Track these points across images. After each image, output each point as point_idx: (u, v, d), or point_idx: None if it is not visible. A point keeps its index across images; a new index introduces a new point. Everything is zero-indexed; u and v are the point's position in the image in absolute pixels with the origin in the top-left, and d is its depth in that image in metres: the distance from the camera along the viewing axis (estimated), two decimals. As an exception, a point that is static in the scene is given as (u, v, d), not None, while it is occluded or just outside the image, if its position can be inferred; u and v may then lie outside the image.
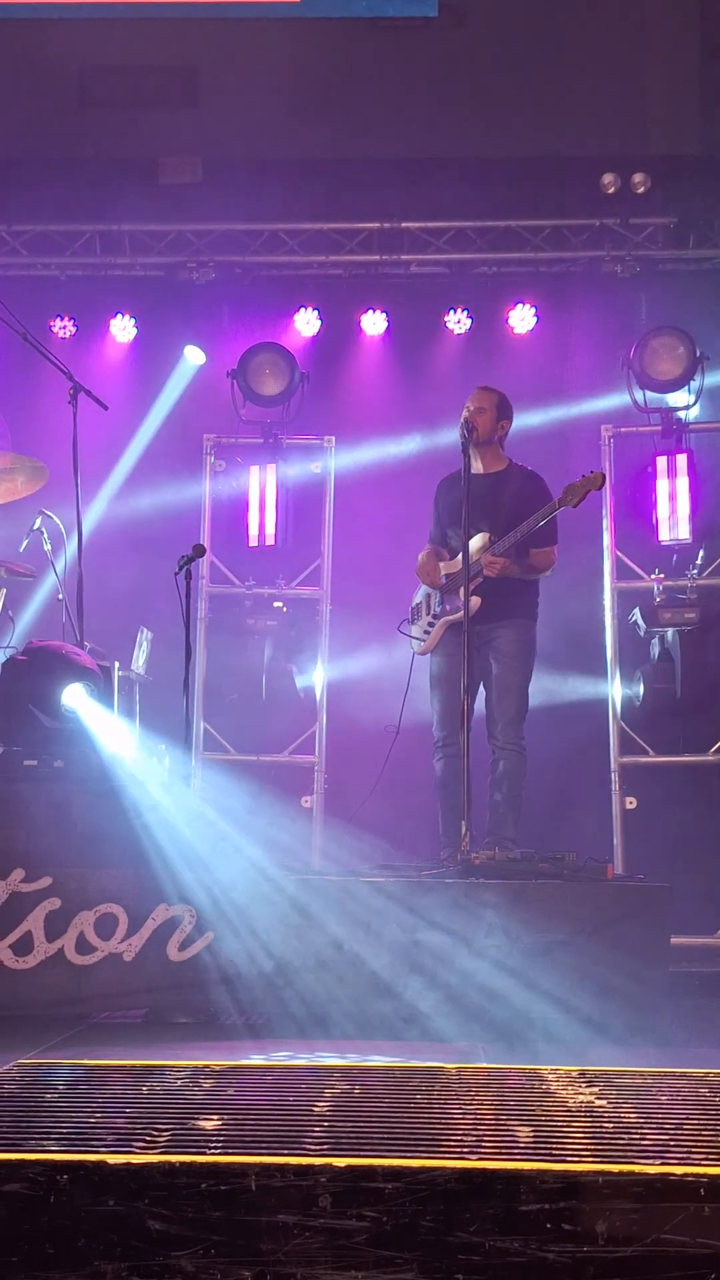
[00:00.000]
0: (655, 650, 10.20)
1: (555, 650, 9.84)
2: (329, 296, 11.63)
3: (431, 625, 8.58)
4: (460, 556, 8.33)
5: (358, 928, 6.61)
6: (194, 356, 11.47)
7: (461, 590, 8.09)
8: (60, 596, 8.74)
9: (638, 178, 10.91)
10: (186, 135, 11.35)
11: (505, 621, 8.35)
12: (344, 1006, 6.56)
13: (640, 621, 10.16)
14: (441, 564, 8.63)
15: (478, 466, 8.44)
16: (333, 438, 10.85)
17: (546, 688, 9.60)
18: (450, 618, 8.42)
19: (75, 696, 7.50)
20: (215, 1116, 4.14)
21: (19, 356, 9.28)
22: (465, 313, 11.40)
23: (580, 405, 10.86)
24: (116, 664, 9.02)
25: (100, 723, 7.63)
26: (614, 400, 10.72)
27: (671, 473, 10.15)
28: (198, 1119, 4.09)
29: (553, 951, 6.55)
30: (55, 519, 8.82)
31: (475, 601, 8.09)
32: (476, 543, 8.22)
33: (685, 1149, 3.74)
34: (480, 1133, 3.95)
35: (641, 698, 10.07)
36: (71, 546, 8.47)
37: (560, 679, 10.06)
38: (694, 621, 9.94)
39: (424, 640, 8.66)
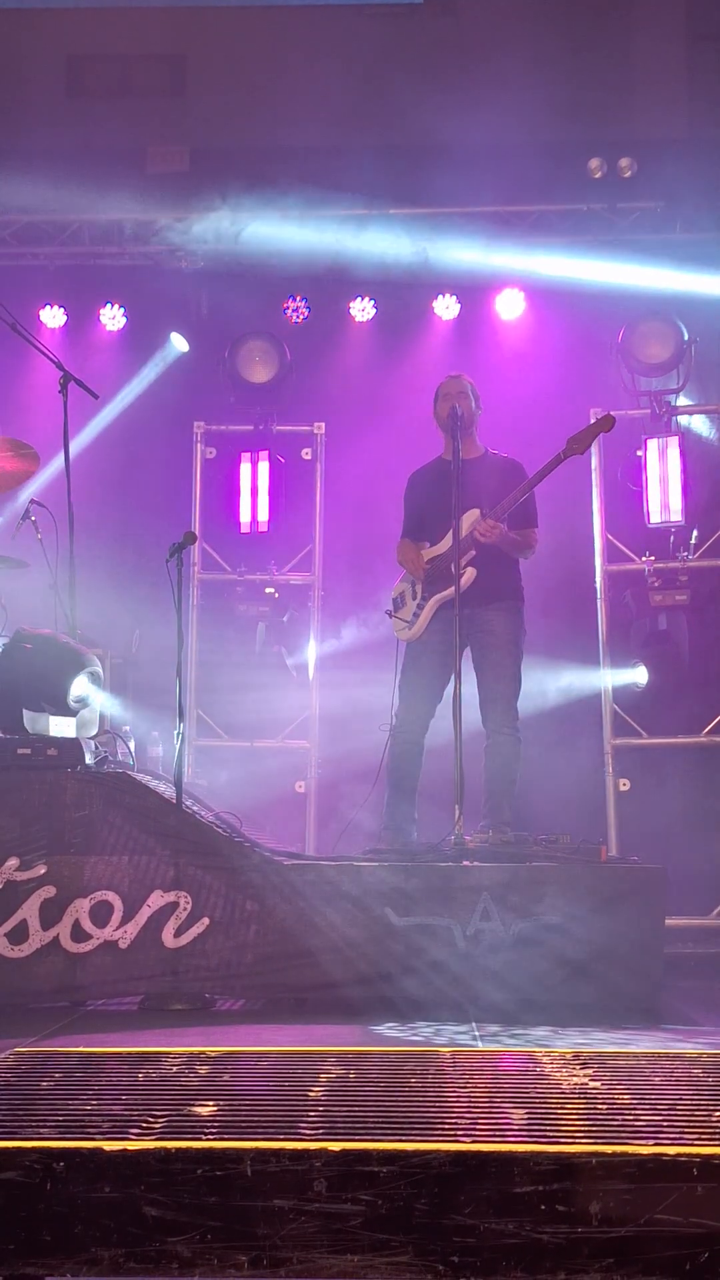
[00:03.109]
0: (653, 632, 10.21)
1: (548, 634, 9.85)
2: (318, 284, 11.62)
3: (420, 608, 8.50)
4: (442, 542, 8.36)
5: (351, 912, 6.63)
6: (178, 344, 11.48)
7: (453, 566, 8.11)
8: (53, 585, 8.73)
9: (624, 162, 10.92)
10: (174, 124, 11.35)
11: (495, 604, 8.29)
12: (338, 991, 6.58)
13: (632, 604, 10.18)
14: (423, 550, 8.58)
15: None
16: (322, 424, 10.85)
17: (540, 671, 9.61)
18: (441, 595, 8.36)
19: (83, 686, 7.53)
20: (211, 1102, 4.15)
21: (9, 346, 9.27)
22: (454, 298, 11.41)
23: (569, 390, 10.85)
24: (109, 653, 9.04)
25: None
26: (603, 384, 10.71)
27: (663, 456, 10.15)
28: (193, 1105, 4.10)
29: (547, 934, 6.57)
30: (46, 507, 8.82)
31: (470, 574, 8.07)
32: (467, 519, 8.19)
33: (678, 1130, 3.76)
34: (474, 1116, 3.97)
35: (646, 681, 10.06)
36: (63, 535, 8.46)
37: (553, 662, 10.06)
38: (685, 603, 9.96)
39: (411, 624, 8.57)
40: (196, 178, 11.42)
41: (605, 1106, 4.13)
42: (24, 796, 6.79)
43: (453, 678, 8.15)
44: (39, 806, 6.77)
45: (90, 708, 7.63)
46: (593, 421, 8.35)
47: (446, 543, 8.36)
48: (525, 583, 8.68)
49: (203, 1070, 4.75)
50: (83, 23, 11.45)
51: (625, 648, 10.24)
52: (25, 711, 7.29)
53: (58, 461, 8.53)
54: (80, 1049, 5.33)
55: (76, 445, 8.63)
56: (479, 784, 8.19)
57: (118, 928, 6.60)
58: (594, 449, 10.08)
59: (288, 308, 11.46)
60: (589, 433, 8.24)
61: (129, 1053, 5.19)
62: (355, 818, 8.69)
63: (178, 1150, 3.58)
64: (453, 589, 8.12)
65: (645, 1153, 3.53)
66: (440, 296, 11.40)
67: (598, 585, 10.21)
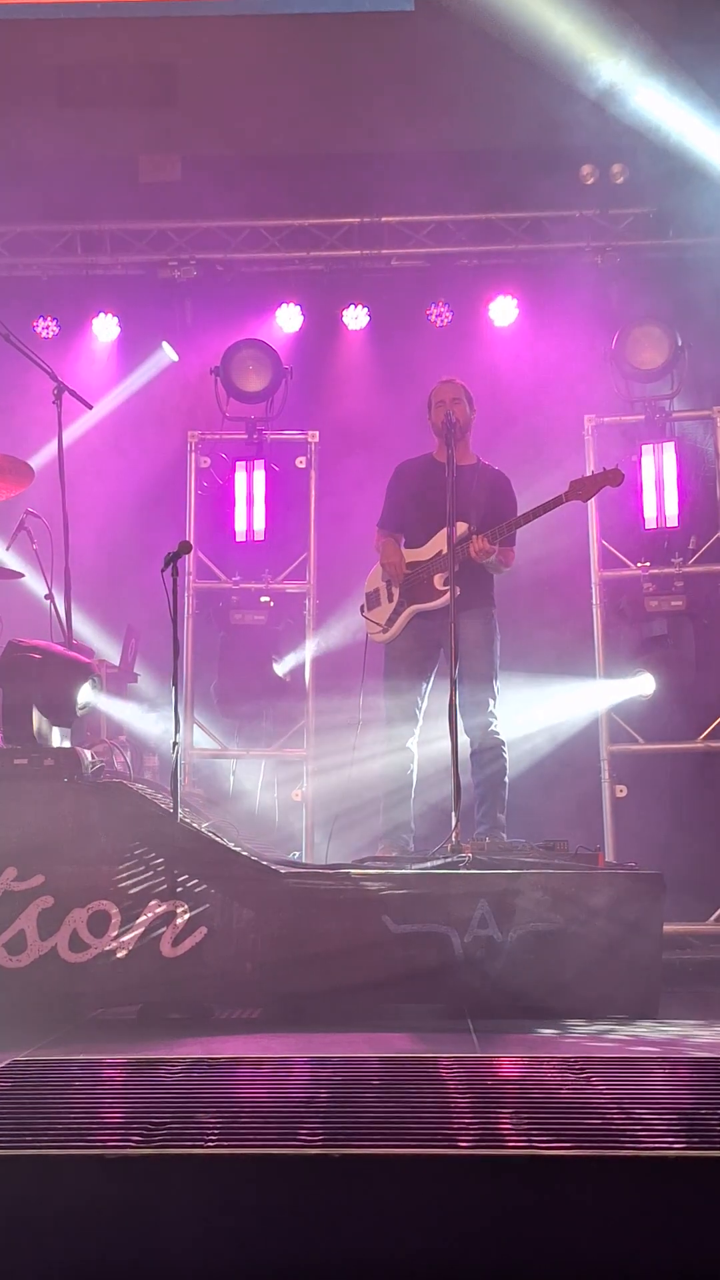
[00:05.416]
0: (649, 639, 10.20)
1: (542, 640, 9.85)
2: (311, 292, 11.66)
3: (396, 614, 8.53)
4: (426, 546, 8.39)
5: (348, 920, 6.62)
6: (168, 352, 11.51)
7: (439, 578, 8.14)
8: (47, 595, 8.72)
9: (616, 168, 10.95)
10: (165, 133, 11.33)
11: (471, 610, 8.30)
12: (336, 999, 6.58)
13: (628, 610, 10.17)
14: (404, 552, 8.61)
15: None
16: (316, 432, 10.83)
17: (536, 677, 9.61)
18: (422, 605, 8.41)
19: (88, 694, 7.54)
20: (211, 1110, 4.15)
21: (1, 357, 9.27)
22: (447, 306, 11.43)
23: (562, 396, 10.86)
24: (104, 663, 9.04)
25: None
26: (596, 391, 10.71)
27: (658, 461, 10.15)
28: (193, 1112, 4.10)
29: (545, 940, 6.56)
30: (40, 518, 8.82)
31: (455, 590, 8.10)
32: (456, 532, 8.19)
33: (679, 1134, 3.76)
34: (474, 1120, 3.96)
35: (654, 689, 10.01)
36: (57, 545, 8.46)
37: (548, 669, 10.04)
38: (681, 609, 9.95)
39: (385, 628, 8.60)
40: (189, 186, 11.42)
41: (605, 1111, 4.12)
42: (21, 806, 6.78)
43: (430, 680, 8.24)
44: (36, 816, 6.76)
45: (87, 715, 7.63)
46: (602, 471, 8.36)
47: (428, 550, 8.41)
48: (521, 590, 8.70)
49: (202, 1078, 4.75)
50: (72, 33, 11.40)
51: (621, 655, 10.21)
52: (34, 721, 7.28)
53: (52, 472, 8.52)
54: (79, 1057, 5.33)
55: (70, 455, 8.63)
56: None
57: (115, 937, 6.58)
58: (589, 455, 10.12)
59: (281, 316, 11.47)
60: (594, 483, 8.28)
61: (128, 1061, 5.18)
62: (352, 826, 8.69)
63: (178, 1157, 3.58)
64: (431, 602, 8.27)
65: (646, 1156, 3.52)
66: (434, 304, 11.43)
67: (593, 592, 10.19)
